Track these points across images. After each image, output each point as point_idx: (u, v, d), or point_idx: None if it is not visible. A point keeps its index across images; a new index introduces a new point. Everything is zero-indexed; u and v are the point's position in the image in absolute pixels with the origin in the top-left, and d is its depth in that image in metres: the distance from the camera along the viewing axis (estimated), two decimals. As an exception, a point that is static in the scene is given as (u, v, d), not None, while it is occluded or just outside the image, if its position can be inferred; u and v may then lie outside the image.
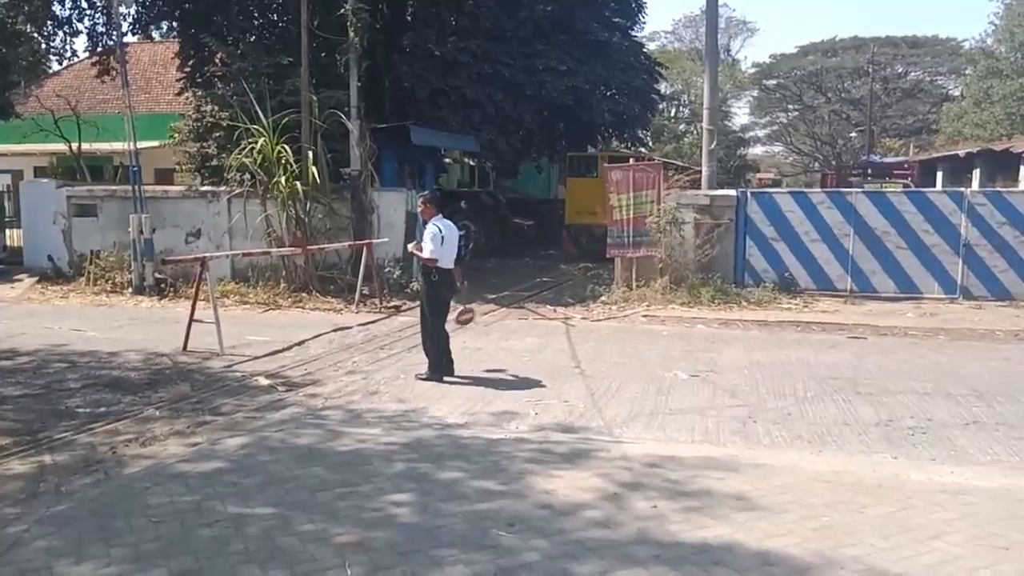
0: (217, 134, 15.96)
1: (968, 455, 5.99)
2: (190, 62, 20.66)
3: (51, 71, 28.67)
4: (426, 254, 8.24)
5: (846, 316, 11.97)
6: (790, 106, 55.66)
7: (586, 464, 5.66)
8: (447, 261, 8.38)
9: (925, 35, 50.65)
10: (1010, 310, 12.40)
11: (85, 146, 21.48)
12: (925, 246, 13.17)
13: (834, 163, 50.87)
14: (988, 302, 12.85)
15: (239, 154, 14.28)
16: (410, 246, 8.91)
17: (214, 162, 16.03)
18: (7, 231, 19.42)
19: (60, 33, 22.07)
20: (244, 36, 19.59)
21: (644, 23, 27.78)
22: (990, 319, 11.78)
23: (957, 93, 47.24)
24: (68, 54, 24.52)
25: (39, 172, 23.67)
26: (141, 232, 14.42)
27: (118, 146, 16.94)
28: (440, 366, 8.35)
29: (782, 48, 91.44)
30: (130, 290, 14.44)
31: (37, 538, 4.49)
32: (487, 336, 10.94)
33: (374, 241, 13.87)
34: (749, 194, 14.43)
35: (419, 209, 8.74)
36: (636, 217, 13.73)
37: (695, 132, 49.33)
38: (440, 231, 8.24)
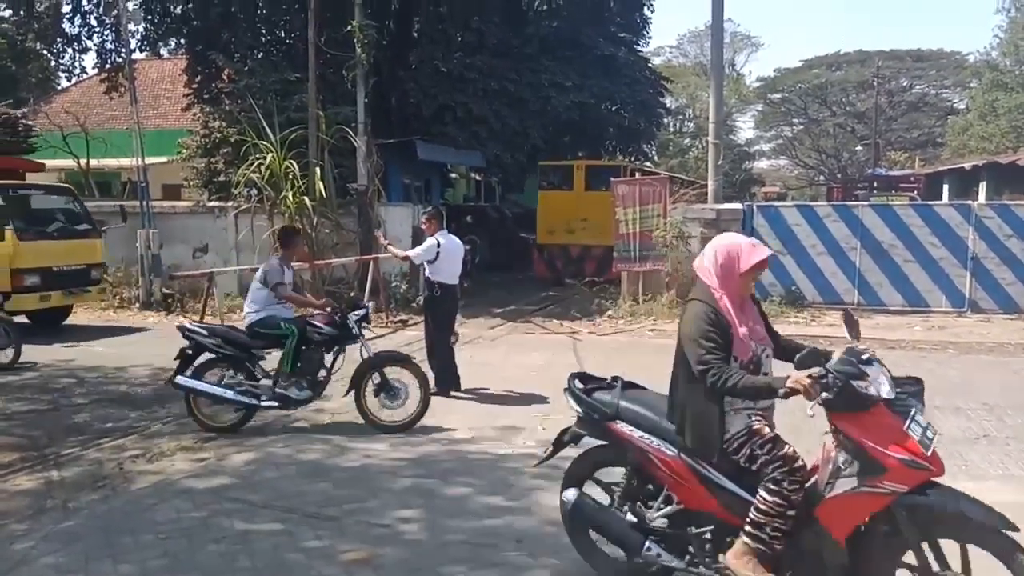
0: (224, 150, 16.05)
1: (979, 470, 5.94)
2: (198, 78, 20.83)
3: (60, 87, 28.98)
4: (401, 254, 8.63)
5: (854, 330, 11.90)
6: (795, 120, 55.72)
7: (594, 480, 5.63)
8: (450, 276, 8.43)
9: (930, 48, 50.74)
10: (1019, 323, 12.33)
11: (93, 162, 21.60)
12: (932, 259, 13.13)
13: (840, 176, 50.86)
14: (996, 315, 12.79)
15: (246, 170, 14.33)
16: (389, 247, 9.05)
17: (221, 178, 16.12)
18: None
19: (69, 50, 22.44)
20: (252, 53, 19.77)
21: (649, 38, 27.89)
22: (998, 332, 11.72)
23: (962, 106, 47.30)
24: (77, 71, 24.97)
25: (48, 188, 23.74)
26: (149, 247, 14.47)
27: (126, 162, 17.04)
28: (446, 381, 8.34)
29: (787, 62, 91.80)
30: (137, 305, 14.47)
31: (44, 555, 4.48)
32: (494, 351, 10.92)
33: (380, 256, 13.87)
34: (755, 208, 14.42)
35: (422, 225, 8.78)
36: (642, 231, 13.72)
37: (700, 146, 49.44)
38: (438, 244, 8.30)
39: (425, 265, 8.52)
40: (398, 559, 4.38)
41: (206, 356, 7.00)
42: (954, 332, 11.76)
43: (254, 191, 14.54)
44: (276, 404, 6.96)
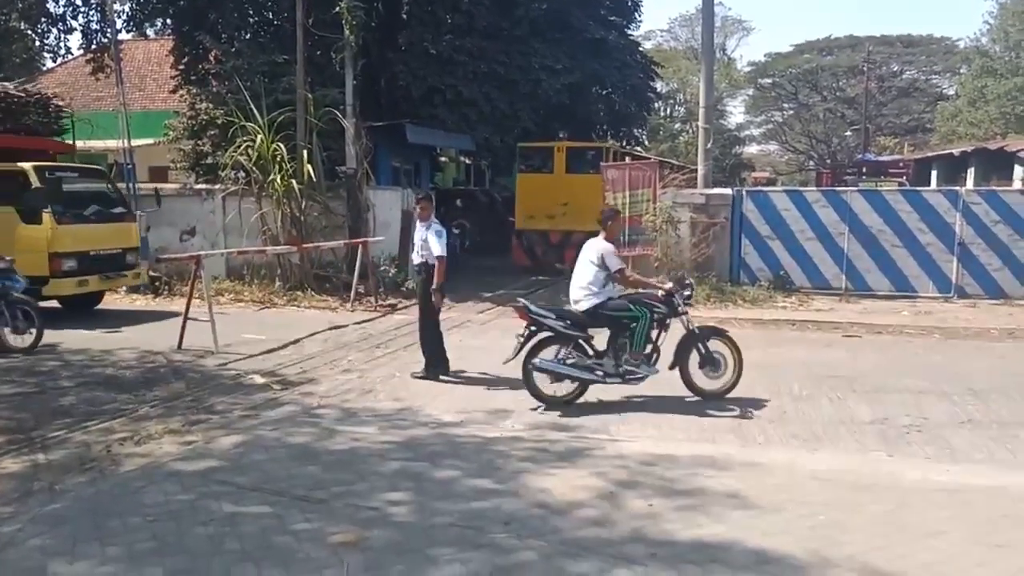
0: (212, 132, 15.92)
1: (963, 453, 6.00)
2: (185, 59, 20.60)
3: (45, 68, 28.59)
4: (437, 251, 8.20)
5: (841, 314, 11.99)
6: (785, 105, 55.72)
7: (582, 462, 5.66)
8: None
9: (920, 34, 50.81)
10: (1004, 308, 12.43)
11: (79, 143, 21.36)
12: (920, 245, 13.19)
13: (829, 162, 50.97)
14: (982, 300, 12.88)
15: (234, 152, 14.25)
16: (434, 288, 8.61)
17: (209, 160, 16.00)
18: None
19: (54, 30, 22.02)
20: (239, 34, 19.56)
21: (640, 22, 27.89)
22: (984, 317, 11.80)
23: (952, 92, 47.40)
24: (62, 51, 24.61)
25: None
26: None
27: (112, 144, 16.87)
28: (436, 364, 8.35)
29: (777, 47, 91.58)
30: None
31: (31, 537, 4.47)
32: (483, 335, 10.92)
33: (370, 240, 13.85)
34: (745, 192, 14.45)
35: (417, 210, 8.74)
36: (632, 216, 13.71)
37: (691, 131, 49.46)
38: (444, 230, 8.46)
39: (419, 249, 8.52)
40: (386, 541, 4.39)
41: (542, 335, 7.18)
42: (940, 317, 11.84)
43: (241, 174, 14.45)
44: (619, 380, 7.23)
